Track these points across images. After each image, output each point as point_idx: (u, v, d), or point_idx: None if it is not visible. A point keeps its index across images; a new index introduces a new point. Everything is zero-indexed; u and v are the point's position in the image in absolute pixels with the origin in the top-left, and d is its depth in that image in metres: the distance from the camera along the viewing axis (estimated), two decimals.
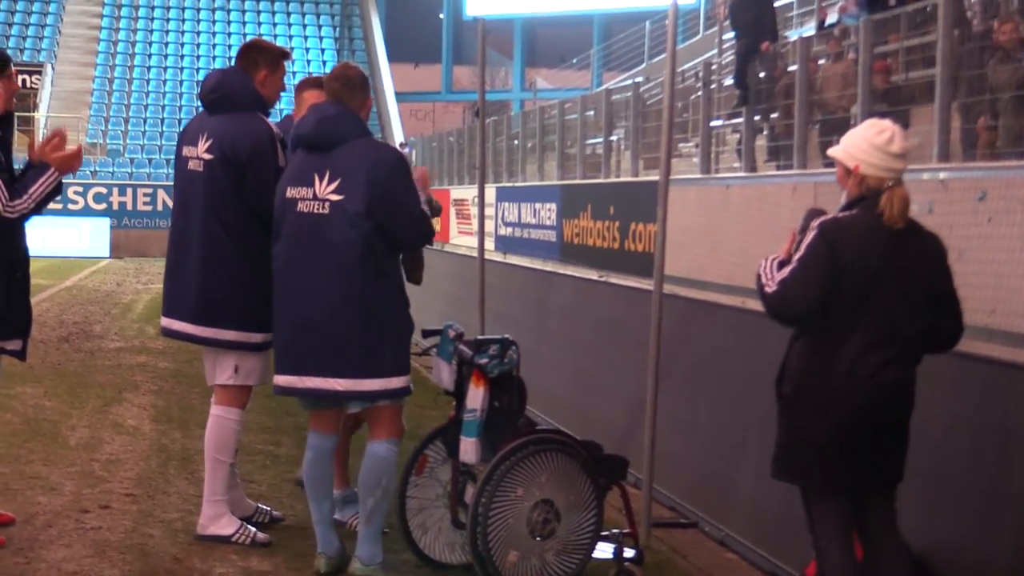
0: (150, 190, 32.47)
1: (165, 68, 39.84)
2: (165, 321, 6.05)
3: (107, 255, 30.69)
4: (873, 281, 4.30)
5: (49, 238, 27.06)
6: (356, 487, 5.69)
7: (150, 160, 35.08)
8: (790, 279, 4.35)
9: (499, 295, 10.32)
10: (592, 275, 13.00)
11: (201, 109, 6.19)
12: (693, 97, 16.60)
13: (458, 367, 5.53)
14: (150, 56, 40.31)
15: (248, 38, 40.31)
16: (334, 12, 43.21)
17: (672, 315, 6.69)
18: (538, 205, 19.95)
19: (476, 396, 5.38)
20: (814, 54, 13.54)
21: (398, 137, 36.27)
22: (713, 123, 15.72)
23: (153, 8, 42.28)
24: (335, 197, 5.25)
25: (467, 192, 24.27)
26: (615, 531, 5.48)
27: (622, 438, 7.17)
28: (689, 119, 16.70)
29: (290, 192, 5.36)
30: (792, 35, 17.48)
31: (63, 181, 5.75)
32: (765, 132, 14.62)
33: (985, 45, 10.25)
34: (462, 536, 5.47)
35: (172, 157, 6.38)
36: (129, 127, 37.25)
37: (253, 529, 5.92)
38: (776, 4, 18.16)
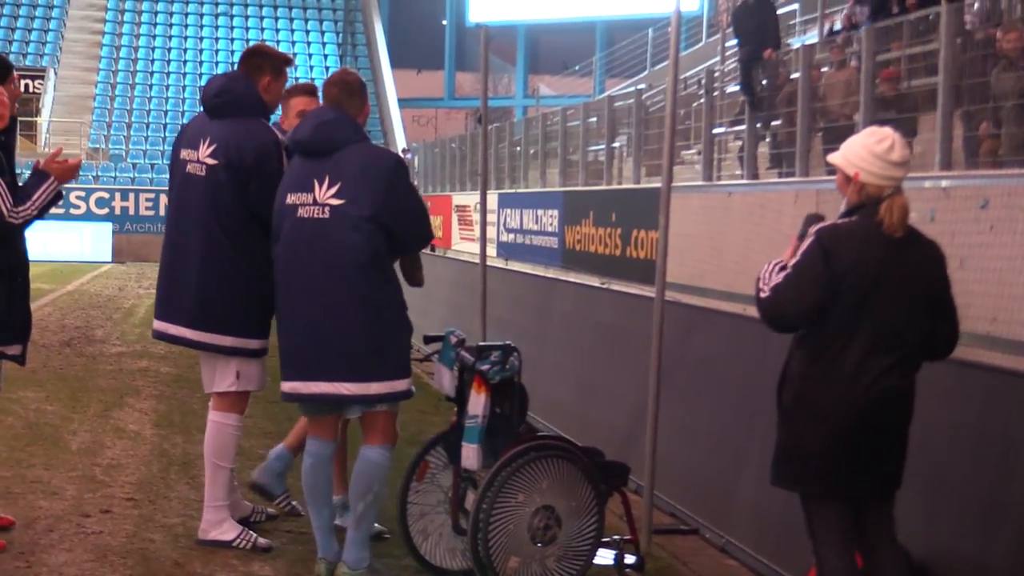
0: (152, 195, 32.49)
1: (167, 73, 39.90)
2: (160, 324, 6.00)
3: (109, 260, 30.71)
4: (872, 288, 4.30)
5: (51, 242, 27.15)
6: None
7: (152, 165, 35.12)
8: (783, 285, 4.36)
9: (501, 301, 10.32)
10: (594, 282, 13.00)
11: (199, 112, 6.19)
12: (695, 104, 16.64)
13: (460, 373, 5.53)
14: (152, 61, 40.38)
15: (250, 44, 40.41)
16: (337, 18, 43.27)
17: (673, 322, 6.70)
18: (540, 211, 19.98)
19: (478, 402, 5.37)
20: (817, 61, 13.57)
21: (400, 143, 36.32)
22: (715, 130, 15.75)
23: (156, 13, 42.37)
24: (336, 202, 5.26)
25: (469, 198, 24.29)
26: (616, 537, 5.48)
27: (623, 444, 7.18)
28: (691, 126, 16.74)
29: (290, 198, 5.36)
30: (795, 43, 17.51)
31: (61, 192, 5.77)
32: (767, 139, 14.64)
33: (987, 53, 10.27)
34: (463, 542, 5.46)
35: None
36: (131, 132, 37.30)
37: (254, 534, 5.92)
38: (779, 12, 18.19)
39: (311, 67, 40.88)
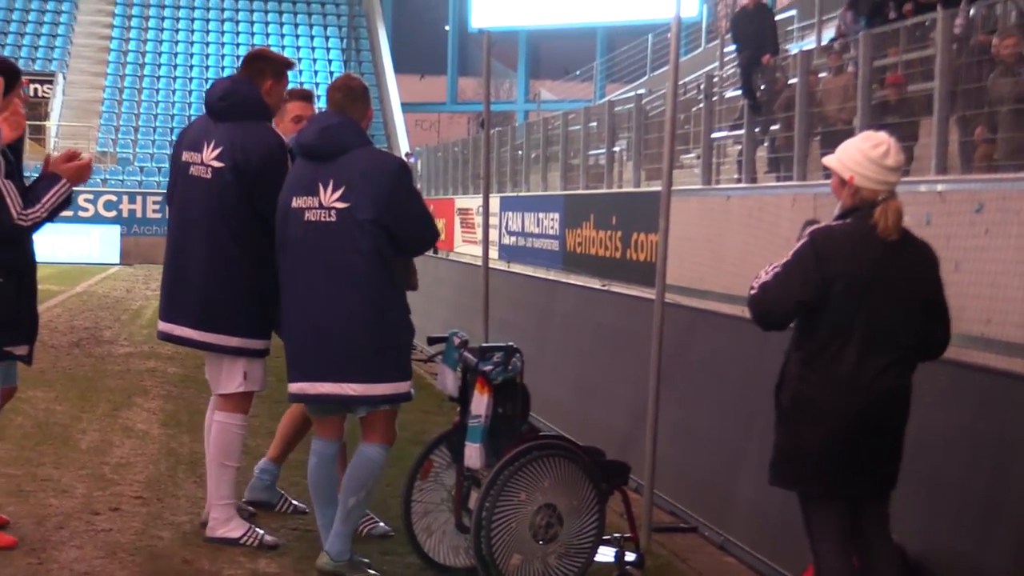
0: (159, 198, 32.44)
1: (174, 78, 39.92)
2: (165, 326, 5.99)
3: (117, 262, 30.71)
4: (866, 290, 4.32)
5: (60, 245, 27.15)
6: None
7: (159, 168, 35.10)
8: (772, 283, 4.38)
9: (503, 303, 10.34)
10: (594, 284, 13.01)
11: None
12: (695, 109, 16.66)
13: (463, 374, 5.54)
14: (160, 66, 40.39)
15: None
16: (341, 23, 43.27)
17: (673, 323, 6.71)
18: (541, 215, 20.00)
19: (480, 402, 5.38)
20: (814, 67, 13.59)
21: (404, 147, 36.33)
22: (714, 135, 15.77)
23: (163, 19, 42.40)
24: (341, 205, 5.26)
25: (471, 202, 24.31)
26: (616, 535, 5.49)
27: (623, 444, 7.19)
28: (691, 131, 16.75)
29: (295, 202, 5.36)
30: (793, 49, 17.53)
31: (73, 191, 5.76)
32: (765, 144, 14.66)
33: (983, 59, 10.28)
34: (466, 539, 5.48)
35: None
36: (139, 136, 37.33)
37: (261, 532, 5.93)
38: (777, 18, 18.22)
39: (315, 72, 40.89)
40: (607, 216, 16.66)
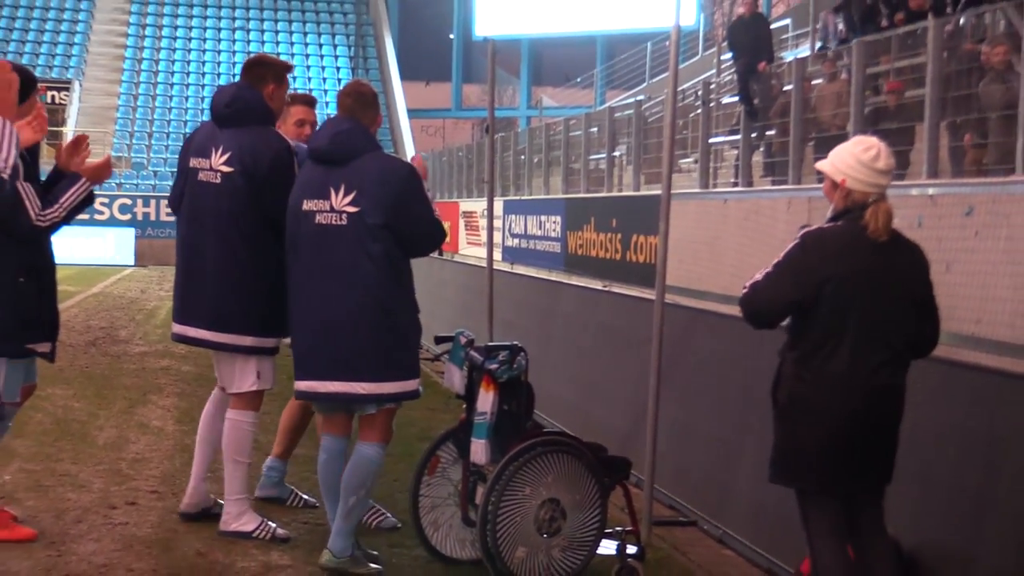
0: None
1: (187, 85, 39.95)
2: (180, 328, 5.98)
3: (132, 263, 30.73)
4: (858, 290, 4.32)
5: (77, 247, 27.14)
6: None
7: (172, 173, 35.09)
8: (762, 282, 4.40)
9: (506, 303, 10.34)
10: (596, 285, 13.01)
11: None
12: (692, 115, 16.65)
13: (469, 372, 5.55)
14: (173, 73, 40.43)
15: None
16: (349, 31, 43.29)
17: (672, 323, 6.71)
18: (543, 217, 19.99)
19: (486, 400, 5.39)
20: (809, 74, 13.59)
21: (410, 152, 36.31)
22: (712, 140, 15.77)
23: (176, 28, 42.43)
24: (352, 209, 5.26)
25: (475, 205, 24.31)
26: (618, 529, 5.49)
27: (624, 440, 7.19)
28: (688, 136, 16.74)
29: (306, 204, 5.36)
30: (788, 56, 17.52)
31: (93, 193, 5.76)
32: (761, 149, 14.66)
33: (972, 67, 10.28)
34: (472, 533, 5.49)
35: None
36: (153, 141, 37.35)
37: (273, 525, 5.93)
38: (772, 26, 18.22)
39: (324, 79, 40.92)
40: (607, 219, 16.66)
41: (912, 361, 4.46)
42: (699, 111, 15.99)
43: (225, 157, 5.80)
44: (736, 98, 15.44)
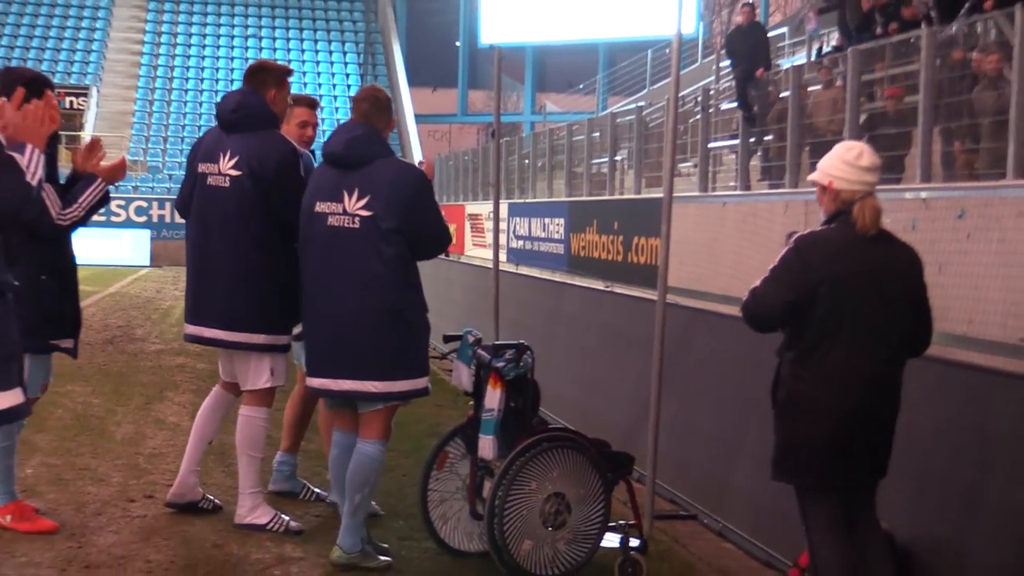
0: None
1: (201, 91, 39.98)
2: (193, 328, 5.97)
3: (147, 264, 30.75)
4: (852, 290, 4.33)
5: (94, 248, 27.11)
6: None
7: None
8: (760, 288, 4.41)
9: (511, 304, 10.34)
10: (598, 285, 13.02)
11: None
12: (692, 120, 16.65)
13: (477, 370, 5.54)
14: (187, 79, 40.47)
15: (279, 63, 40.35)
16: (358, 39, 43.31)
17: (673, 323, 6.71)
18: (547, 220, 19.99)
19: (493, 397, 5.39)
20: (805, 81, 13.59)
21: (417, 156, 36.33)
22: (711, 145, 15.77)
23: (190, 35, 42.48)
24: (365, 213, 5.26)
25: (481, 207, 24.33)
26: (621, 522, 5.50)
27: (626, 437, 7.18)
28: (688, 141, 16.74)
29: (319, 206, 5.36)
30: (785, 64, 17.52)
31: (109, 193, 5.78)
32: (759, 153, 14.66)
33: (964, 74, 10.28)
34: (480, 526, 5.49)
35: None
36: (168, 145, 37.38)
37: (286, 518, 5.94)
38: (769, 35, 18.21)
39: (334, 85, 40.93)
40: (609, 221, 16.66)
41: (907, 360, 4.47)
42: (699, 116, 15.99)
43: (233, 161, 5.80)
44: (734, 104, 15.45)
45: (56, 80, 33.94)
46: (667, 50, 31.79)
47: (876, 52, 12.29)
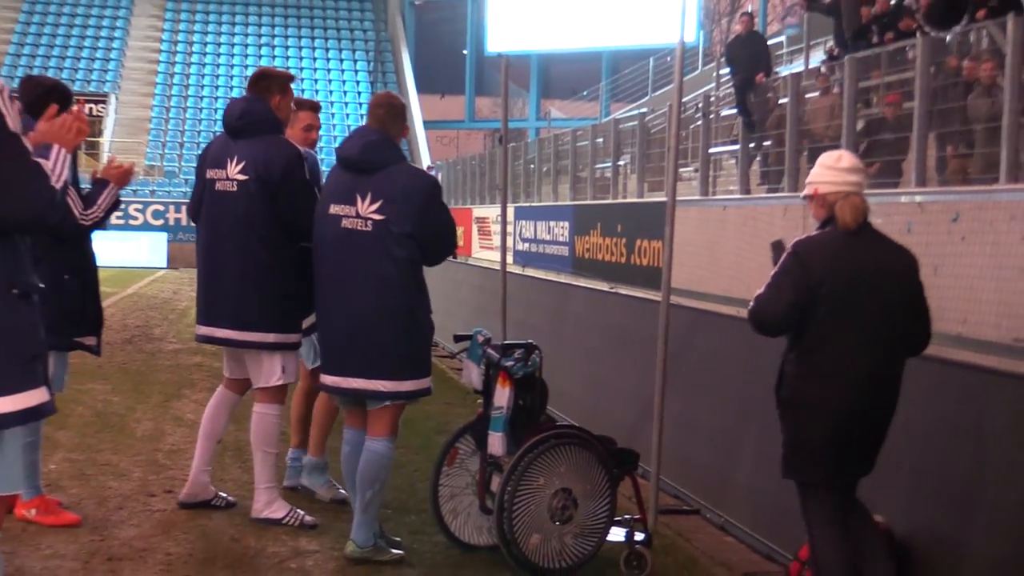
0: None
1: (216, 98, 39.99)
2: (205, 329, 5.98)
3: (164, 266, 30.76)
4: (850, 290, 4.35)
5: (112, 250, 27.13)
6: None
7: None
8: (764, 293, 4.44)
9: (518, 304, 10.34)
10: (603, 286, 13.00)
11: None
12: (693, 126, 16.63)
13: (486, 369, 5.55)
14: (203, 87, 40.50)
15: (291, 71, 40.45)
16: (369, 48, 43.33)
17: (675, 323, 6.69)
18: (552, 223, 19.98)
19: (502, 395, 5.40)
20: (803, 88, 13.57)
21: (426, 161, 36.34)
22: (712, 150, 15.75)
23: (206, 44, 42.52)
24: (377, 217, 5.26)
25: (488, 211, 24.32)
26: (627, 517, 5.50)
27: (630, 434, 7.18)
28: (689, 146, 16.73)
29: (333, 208, 5.36)
30: (783, 71, 17.50)
31: (120, 197, 5.81)
32: (759, 158, 14.65)
33: (957, 82, 10.27)
34: (489, 521, 5.49)
35: None
36: (184, 151, 37.40)
37: (302, 513, 5.95)
38: (768, 43, 18.18)
39: (344, 92, 40.95)
40: (613, 224, 16.64)
41: (907, 358, 4.48)
42: (699, 122, 15.97)
43: (240, 166, 5.81)
44: (734, 110, 15.43)
45: (76, 88, 33.99)
46: (668, 58, 31.79)
47: (872, 60, 12.28)
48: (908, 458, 4.86)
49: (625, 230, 16.04)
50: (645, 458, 6.16)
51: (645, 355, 7.12)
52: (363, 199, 5.29)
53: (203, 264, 6.00)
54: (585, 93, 39.52)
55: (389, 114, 5.47)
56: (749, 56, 15.49)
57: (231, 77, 41.13)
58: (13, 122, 3.28)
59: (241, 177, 5.80)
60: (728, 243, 12.88)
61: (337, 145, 5.64)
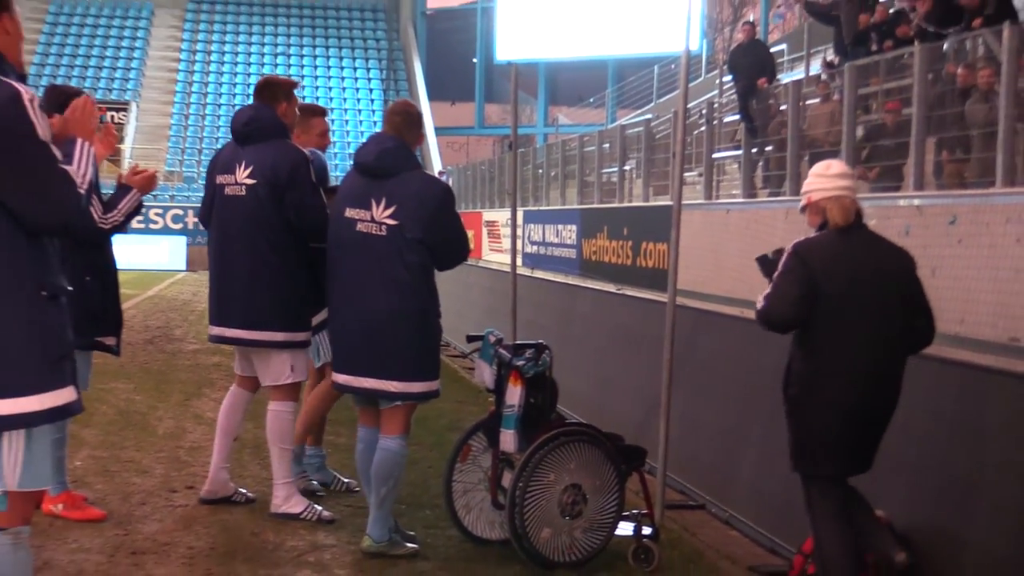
0: None
1: (233, 105, 40.00)
2: (217, 330, 6.01)
3: (184, 268, 30.84)
4: (850, 289, 4.38)
5: (134, 253, 27.25)
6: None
7: None
8: (773, 291, 4.48)
9: (527, 305, 10.34)
10: (609, 288, 13.00)
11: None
12: (696, 132, 16.61)
13: (498, 368, 5.55)
14: (220, 95, 40.59)
15: (306, 79, 40.68)
16: (381, 56, 43.40)
17: (680, 323, 6.70)
18: (560, 226, 19.97)
19: (514, 393, 5.40)
20: (804, 95, 13.56)
21: (437, 166, 36.36)
22: (715, 155, 15.73)
23: (223, 54, 42.61)
24: (391, 222, 5.27)
25: (497, 215, 24.31)
26: (634, 512, 5.50)
27: (637, 431, 7.19)
28: (694, 151, 16.71)
29: (348, 212, 5.37)
30: (784, 78, 17.48)
31: (143, 202, 5.83)
32: (761, 163, 14.63)
33: (953, 88, 10.25)
34: (501, 515, 5.50)
35: None
36: (202, 157, 37.45)
37: (319, 508, 5.96)
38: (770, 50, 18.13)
39: (358, 99, 41.00)
40: (619, 227, 16.63)
41: (909, 355, 4.49)
42: (703, 128, 15.95)
43: (248, 171, 5.84)
44: (737, 116, 15.41)
45: (98, 96, 34.14)
46: (672, 65, 31.78)
47: (871, 67, 12.26)
48: (908, 454, 4.86)
49: (631, 233, 16.02)
50: (652, 455, 6.17)
51: (651, 354, 7.12)
52: (378, 204, 5.30)
53: (214, 266, 6.03)
54: (592, 100, 39.52)
55: (406, 122, 5.48)
56: (751, 63, 15.47)
57: (248, 85, 41.11)
58: (43, 131, 3.29)
59: (249, 181, 5.83)
60: (731, 246, 12.86)
61: (352, 151, 5.65)
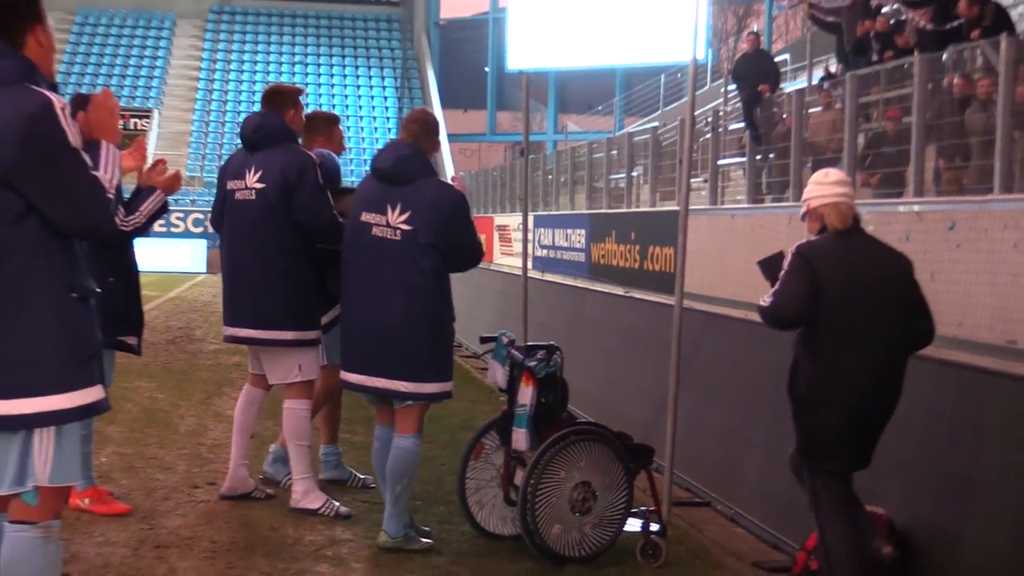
0: None
1: (252, 113, 40.17)
2: (230, 330, 6.03)
3: (204, 271, 30.90)
4: (852, 290, 4.39)
5: (156, 256, 27.34)
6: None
7: None
8: (780, 288, 4.49)
9: (538, 308, 10.33)
10: (618, 291, 13.01)
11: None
12: (702, 139, 16.61)
13: (511, 369, 5.57)
14: (240, 102, 40.66)
15: (322, 87, 40.77)
16: (396, 65, 43.46)
17: (686, 325, 6.69)
18: (569, 231, 19.97)
19: (526, 393, 5.42)
20: (806, 103, 13.55)
21: (450, 172, 36.39)
22: (720, 161, 15.73)
23: (243, 62, 42.72)
24: (406, 227, 5.28)
25: (508, 219, 24.33)
26: (642, 508, 5.51)
27: (645, 431, 7.19)
28: (699, 158, 16.70)
29: (365, 216, 5.38)
30: (787, 87, 17.46)
31: (167, 203, 5.84)
32: (765, 170, 14.62)
33: (952, 98, 10.24)
34: (513, 512, 5.51)
35: None
36: (222, 162, 37.42)
37: (337, 503, 5.98)
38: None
39: (373, 107, 41.05)
40: (627, 232, 16.62)
41: (910, 354, 4.51)
42: (709, 135, 15.95)
43: (258, 176, 5.88)
44: (742, 124, 15.40)
45: (122, 103, 34.10)
46: (678, 74, 31.76)
47: (872, 77, 12.25)
48: (907, 453, 4.86)
49: (638, 237, 16.02)
50: (659, 453, 6.18)
51: (658, 356, 7.12)
52: (393, 209, 5.31)
53: (226, 269, 6.05)
54: (600, 108, 39.54)
55: (423, 130, 5.50)
56: (754, 73, 15.47)
57: None
58: (74, 138, 3.31)
59: (259, 186, 5.86)
60: (736, 250, 12.85)
61: (367, 157, 5.68)
